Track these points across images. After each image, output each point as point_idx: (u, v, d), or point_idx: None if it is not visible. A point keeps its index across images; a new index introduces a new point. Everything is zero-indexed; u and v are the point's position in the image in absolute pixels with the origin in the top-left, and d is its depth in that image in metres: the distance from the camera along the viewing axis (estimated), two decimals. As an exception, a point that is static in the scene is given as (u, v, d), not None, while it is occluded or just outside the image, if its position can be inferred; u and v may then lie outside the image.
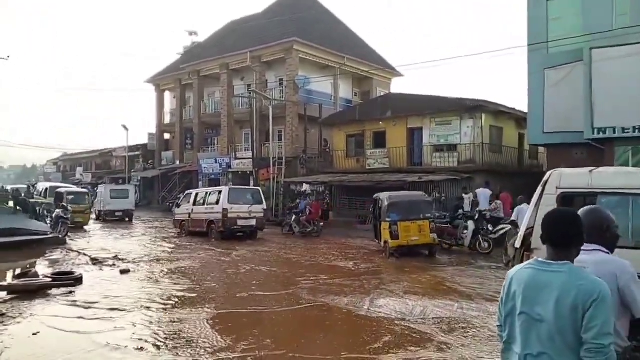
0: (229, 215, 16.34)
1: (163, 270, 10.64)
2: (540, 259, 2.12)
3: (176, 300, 7.83)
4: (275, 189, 24.78)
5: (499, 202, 14.31)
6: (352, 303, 7.50)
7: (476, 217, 13.08)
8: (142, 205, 35.18)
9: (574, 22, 15.31)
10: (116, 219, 24.61)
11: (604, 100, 13.93)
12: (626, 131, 13.61)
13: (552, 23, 16.09)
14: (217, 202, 16.74)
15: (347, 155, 24.87)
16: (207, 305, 7.38)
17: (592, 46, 14.14)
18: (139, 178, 38.88)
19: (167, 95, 40.83)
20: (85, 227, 20.68)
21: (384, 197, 12.93)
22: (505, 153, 21.39)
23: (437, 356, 5.17)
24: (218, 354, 5.25)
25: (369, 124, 23.55)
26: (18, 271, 9.75)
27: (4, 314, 6.77)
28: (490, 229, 12.77)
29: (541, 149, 21.09)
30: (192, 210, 18.05)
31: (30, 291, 8.03)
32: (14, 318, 6.67)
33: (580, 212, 2.40)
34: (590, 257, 2.35)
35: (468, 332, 6.00)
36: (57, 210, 16.82)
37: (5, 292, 8.01)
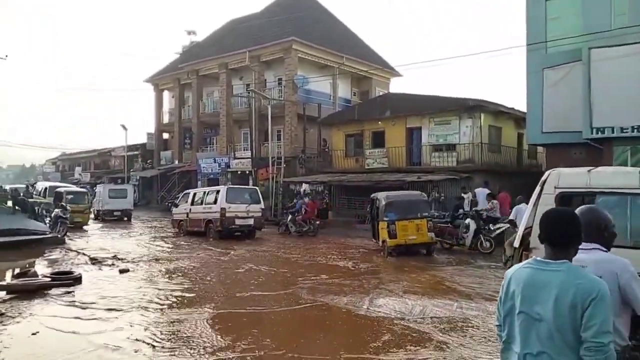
0: (227, 215, 16.36)
1: (162, 270, 10.64)
2: (538, 258, 2.13)
3: (175, 300, 7.83)
4: (274, 189, 24.78)
5: (495, 201, 14.33)
6: (352, 302, 7.50)
7: (472, 216, 13.11)
8: (140, 205, 35.17)
9: (572, 22, 15.34)
10: (115, 219, 24.61)
11: (603, 100, 13.95)
12: (625, 131, 13.63)
13: (550, 23, 16.11)
14: (215, 202, 16.76)
15: (346, 155, 24.88)
16: (206, 305, 7.38)
17: (591, 46, 14.16)
18: (138, 178, 38.87)
19: (166, 95, 40.80)
20: (85, 227, 20.66)
21: (382, 196, 12.99)
22: (504, 153, 21.42)
23: (436, 355, 5.18)
24: (217, 353, 5.26)
25: (368, 123, 23.56)
26: (17, 271, 9.73)
27: (3, 314, 6.77)
28: (492, 228, 12.79)
29: (540, 149, 21.12)
30: (190, 210, 18.07)
31: (29, 291, 8.03)
32: (13, 318, 6.67)
33: (577, 211, 2.41)
34: (589, 256, 2.36)
35: (467, 331, 6.01)
36: (56, 210, 16.80)
37: (4, 292, 8.00)
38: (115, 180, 37.18)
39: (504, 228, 12.13)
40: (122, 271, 10.30)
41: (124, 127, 39.76)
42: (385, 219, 12.40)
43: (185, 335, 5.88)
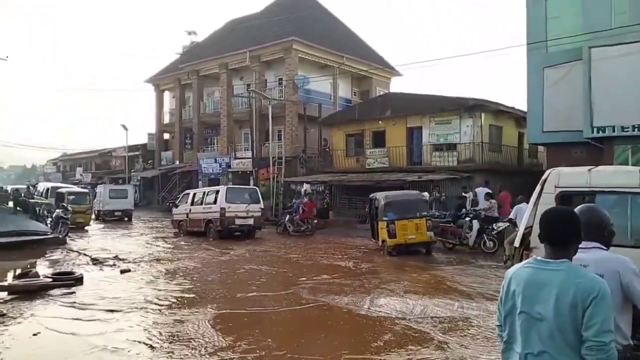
0: (227, 215, 16.39)
1: (163, 270, 10.65)
2: (538, 258, 2.13)
3: (176, 300, 7.83)
4: (275, 189, 24.78)
5: (493, 201, 14.34)
6: (353, 302, 7.50)
7: (474, 216, 13.10)
8: (141, 205, 35.20)
9: (573, 21, 15.32)
10: (115, 219, 24.65)
11: (603, 99, 13.94)
12: (625, 130, 13.62)
13: (551, 22, 16.09)
14: (215, 202, 16.79)
15: (347, 155, 24.86)
16: (207, 306, 7.38)
17: (591, 45, 14.15)
18: (139, 178, 38.88)
19: (167, 95, 40.80)
20: (86, 227, 20.67)
21: (380, 196, 13.05)
22: (504, 152, 21.40)
23: (437, 355, 5.18)
24: (218, 354, 5.26)
25: (369, 123, 23.54)
26: (18, 271, 9.75)
27: (4, 314, 6.77)
28: (495, 227, 12.77)
29: (541, 148, 21.10)
30: (190, 210, 18.09)
31: (30, 291, 8.03)
32: (15, 318, 6.67)
33: (577, 210, 2.41)
34: (590, 255, 2.36)
35: (468, 331, 6.00)
36: (57, 211, 16.82)
37: (5, 293, 8.01)
38: (116, 181, 37.20)
39: (503, 227, 12.14)
40: (123, 271, 10.31)
41: (124, 127, 39.78)
42: (384, 218, 12.46)
43: (186, 336, 5.88)
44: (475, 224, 12.76)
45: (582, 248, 2.21)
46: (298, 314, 7.11)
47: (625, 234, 4.71)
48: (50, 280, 8.63)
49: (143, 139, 41.73)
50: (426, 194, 18.25)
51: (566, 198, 4.89)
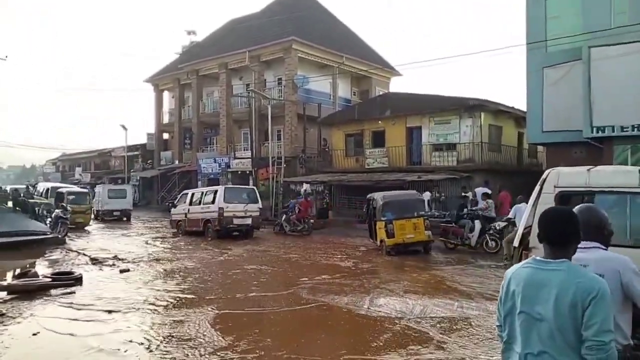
0: (225, 214, 16.40)
1: (162, 270, 10.64)
2: (538, 258, 2.13)
3: (176, 300, 7.83)
4: (275, 189, 24.78)
5: (490, 201, 14.33)
6: (352, 302, 7.50)
7: (475, 215, 13.10)
8: (141, 205, 35.19)
9: (572, 20, 15.33)
10: (114, 219, 24.65)
11: (603, 98, 13.95)
12: (625, 130, 13.63)
13: (550, 22, 16.10)
14: (213, 202, 16.81)
15: (346, 155, 24.87)
16: (206, 306, 7.37)
17: (591, 45, 14.15)
18: (138, 178, 38.87)
19: (166, 95, 40.79)
20: (86, 227, 20.66)
21: (378, 197, 13.09)
22: (504, 152, 21.40)
23: (437, 355, 5.18)
24: (218, 354, 5.25)
25: (368, 123, 23.54)
26: (18, 271, 9.74)
27: (3, 314, 6.77)
28: (497, 227, 12.77)
29: (540, 148, 21.11)
30: (189, 210, 18.10)
31: (30, 291, 8.02)
32: (14, 318, 6.67)
33: (576, 210, 2.41)
34: (589, 254, 2.36)
35: (468, 331, 6.00)
36: (57, 211, 16.82)
37: (5, 292, 8.00)
38: (115, 181, 37.19)
39: (502, 226, 12.15)
40: (122, 271, 10.30)
41: (124, 127, 39.78)
42: (382, 218, 12.49)
43: (185, 336, 5.87)
44: (478, 224, 12.76)
45: (581, 248, 2.21)
46: (298, 314, 7.11)
47: (624, 233, 4.70)
48: (50, 280, 8.62)
49: (142, 139, 41.75)
50: (428, 193, 18.30)
51: (565, 198, 4.89)
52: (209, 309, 7.19)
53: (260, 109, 27.57)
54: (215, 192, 17.24)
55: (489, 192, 15.47)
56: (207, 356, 5.19)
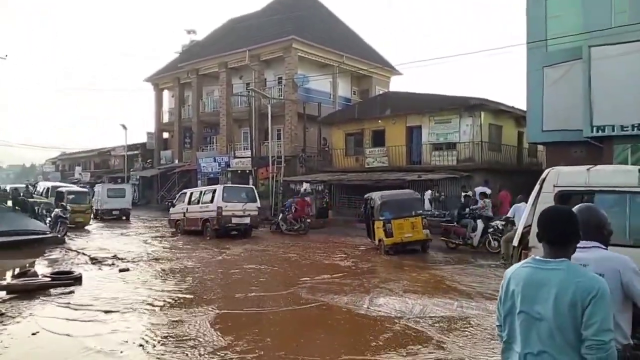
0: (224, 213, 16.40)
1: (162, 270, 10.63)
2: (537, 257, 2.12)
3: (175, 300, 7.82)
4: (275, 188, 24.78)
5: (487, 200, 14.35)
6: (352, 302, 7.49)
7: (477, 215, 13.10)
8: (141, 205, 35.19)
9: (573, 20, 15.31)
10: (113, 218, 24.67)
11: (603, 98, 13.94)
12: (625, 129, 13.62)
13: (551, 21, 16.09)
14: (212, 201, 16.80)
15: (346, 154, 24.86)
16: (205, 306, 7.36)
17: (591, 44, 14.14)
18: (138, 177, 38.87)
19: (166, 94, 40.78)
20: (86, 227, 20.66)
21: (376, 196, 13.12)
22: (504, 151, 21.40)
23: (436, 355, 5.17)
24: (217, 353, 5.25)
25: (368, 122, 23.53)
26: (17, 271, 9.73)
27: (3, 314, 6.76)
28: (499, 227, 12.76)
29: (540, 147, 21.10)
30: (187, 209, 18.09)
31: (29, 291, 8.02)
32: (13, 318, 6.66)
33: (575, 209, 2.40)
34: (589, 254, 2.35)
35: (467, 330, 6.00)
36: (56, 210, 16.81)
37: (4, 292, 8.00)
38: (115, 180, 37.17)
39: (503, 226, 12.14)
40: (122, 271, 10.30)
41: (123, 126, 39.78)
42: (381, 218, 12.52)
43: (184, 336, 5.86)
44: (480, 224, 12.76)
45: (581, 247, 2.21)
46: (297, 313, 7.10)
47: (624, 233, 4.70)
48: (49, 279, 8.61)
49: (142, 138, 41.75)
50: (429, 192, 18.31)
51: (565, 197, 4.88)
52: (209, 308, 7.18)
53: (260, 108, 27.56)
54: (214, 191, 17.22)
55: (487, 191, 15.47)
56: (206, 356, 5.18)
